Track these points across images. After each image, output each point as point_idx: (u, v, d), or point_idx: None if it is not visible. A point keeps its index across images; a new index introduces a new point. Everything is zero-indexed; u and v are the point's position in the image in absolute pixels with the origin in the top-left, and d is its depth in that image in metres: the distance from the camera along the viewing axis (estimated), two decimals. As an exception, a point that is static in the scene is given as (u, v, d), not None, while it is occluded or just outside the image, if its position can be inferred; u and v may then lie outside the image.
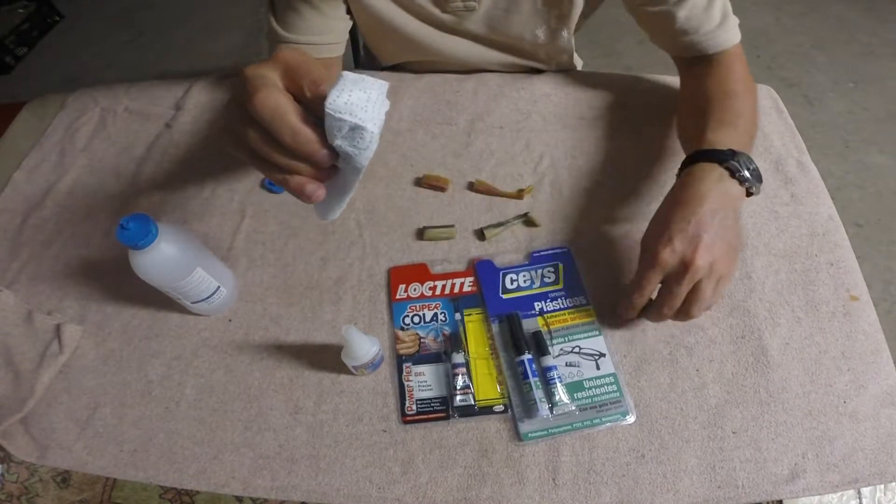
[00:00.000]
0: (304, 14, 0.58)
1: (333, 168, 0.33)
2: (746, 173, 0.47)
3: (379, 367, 0.50)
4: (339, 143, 0.30)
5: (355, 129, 0.29)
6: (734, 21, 0.58)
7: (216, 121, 0.71)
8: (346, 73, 0.29)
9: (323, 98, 0.29)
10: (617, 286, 0.54)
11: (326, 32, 0.61)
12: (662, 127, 0.65)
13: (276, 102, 0.29)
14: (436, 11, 0.63)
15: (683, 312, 0.45)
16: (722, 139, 0.49)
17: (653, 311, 0.47)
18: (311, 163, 0.31)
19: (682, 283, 0.44)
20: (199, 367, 0.52)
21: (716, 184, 0.46)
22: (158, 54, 2.02)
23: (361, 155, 0.31)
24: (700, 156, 0.49)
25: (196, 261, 0.47)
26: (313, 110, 0.30)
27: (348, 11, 0.63)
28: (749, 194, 0.49)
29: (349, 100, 0.28)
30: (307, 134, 0.30)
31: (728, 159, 0.47)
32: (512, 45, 0.68)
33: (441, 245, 0.58)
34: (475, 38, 0.67)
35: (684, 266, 0.43)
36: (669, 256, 0.44)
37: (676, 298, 0.44)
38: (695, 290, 0.44)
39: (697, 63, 0.60)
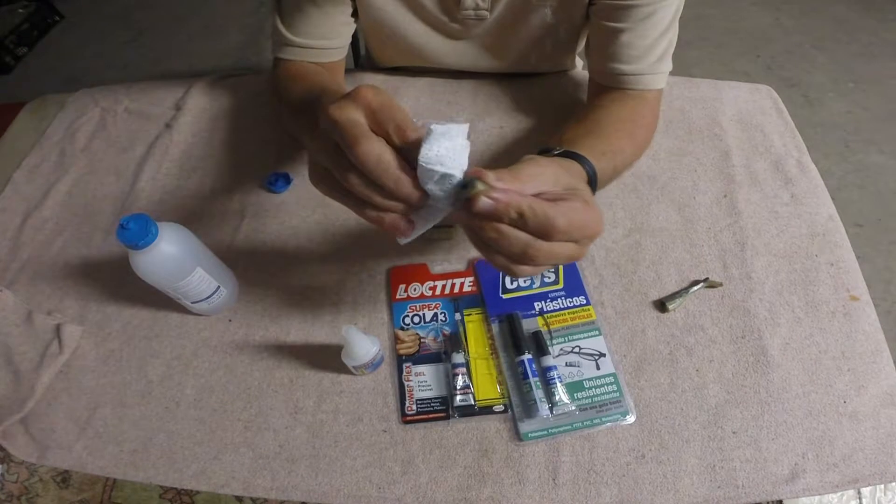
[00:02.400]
0: (311, 17, 0.58)
1: (418, 208, 0.36)
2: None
3: (379, 367, 0.50)
4: (430, 187, 0.32)
5: (445, 177, 0.32)
6: (667, 66, 0.56)
7: (216, 120, 0.71)
8: (434, 126, 0.31)
9: (412, 145, 0.31)
10: (617, 286, 0.54)
11: (332, 36, 0.61)
12: (662, 126, 0.65)
13: (381, 154, 0.31)
14: (445, 19, 0.62)
15: (542, 265, 0.35)
16: (598, 163, 0.45)
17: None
18: (406, 203, 0.34)
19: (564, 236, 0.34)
20: (199, 367, 0.52)
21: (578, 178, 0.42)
22: (158, 54, 2.02)
23: (446, 195, 0.33)
24: (578, 157, 0.44)
25: (196, 261, 0.47)
26: (403, 154, 0.32)
27: (353, 14, 0.62)
28: None
29: (439, 152, 0.31)
30: (407, 182, 0.32)
31: (592, 184, 0.44)
32: (517, 56, 0.67)
33: (441, 245, 0.58)
34: (481, 48, 0.66)
35: (577, 226, 0.34)
36: (565, 215, 0.33)
37: (557, 253, 0.34)
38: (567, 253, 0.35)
39: (613, 90, 0.58)
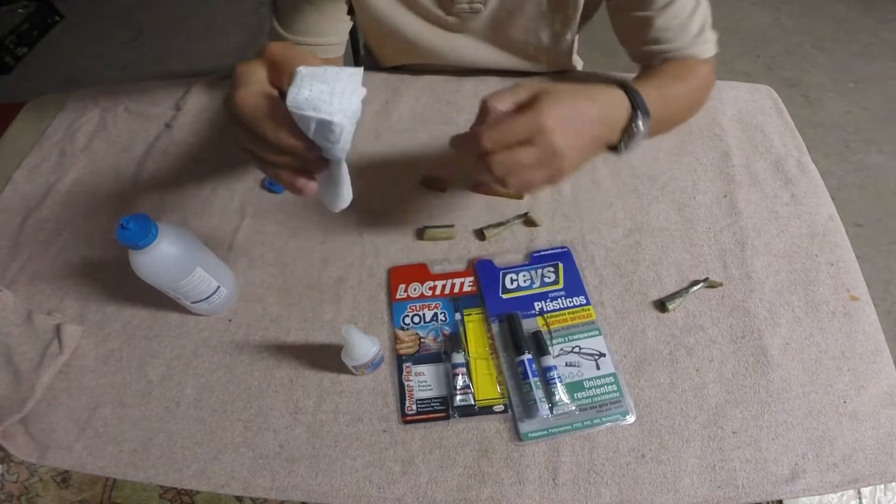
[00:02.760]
0: (307, 14, 0.58)
1: (324, 159, 0.33)
2: (636, 131, 0.46)
3: (379, 367, 0.50)
4: (312, 137, 0.29)
5: (322, 124, 0.28)
6: (710, 36, 0.57)
7: (216, 120, 0.71)
8: (301, 68, 0.29)
9: None
10: (617, 286, 0.54)
11: (328, 34, 0.61)
12: (662, 127, 0.65)
13: (256, 101, 0.30)
14: (440, 13, 0.62)
15: (503, 175, 0.40)
16: (650, 98, 0.48)
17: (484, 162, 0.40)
18: (296, 156, 0.31)
19: (530, 155, 0.39)
20: (199, 367, 0.52)
21: (612, 110, 0.45)
22: (158, 54, 2.02)
23: (335, 148, 0.30)
24: (625, 87, 0.47)
25: (196, 261, 0.47)
26: None
27: (350, 12, 0.63)
28: (613, 148, 0.48)
29: (310, 95, 0.28)
30: (286, 130, 0.30)
31: (640, 108, 0.46)
32: (515, 49, 0.67)
33: (441, 245, 0.58)
34: (478, 41, 0.67)
35: (538, 129, 0.38)
36: (549, 132, 0.39)
37: (513, 153, 0.39)
38: (527, 161, 0.39)
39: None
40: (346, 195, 0.37)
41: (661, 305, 0.52)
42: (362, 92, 0.30)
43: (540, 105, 0.39)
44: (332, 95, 0.28)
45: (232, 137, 0.33)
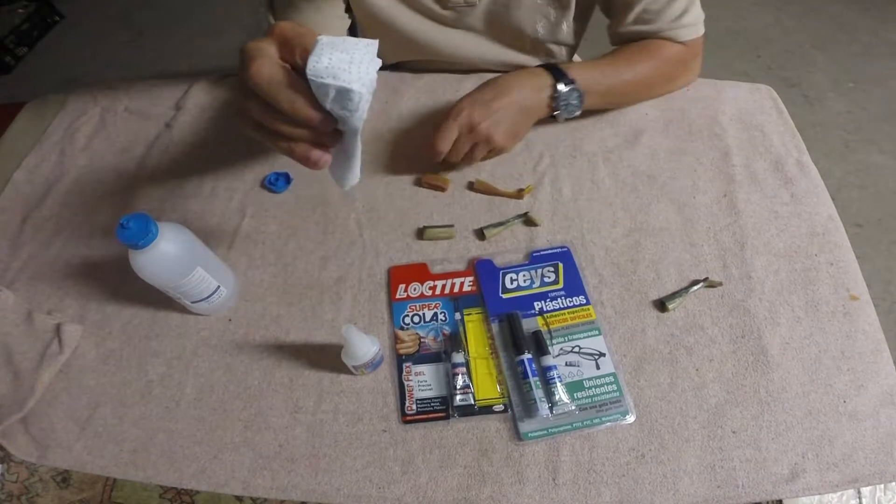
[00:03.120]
0: (304, 12, 0.59)
1: (338, 132, 0.33)
2: (564, 103, 0.57)
3: (379, 366, 0.50)
4: (329, 107, 0.29)
5: (341, 92, 0.29)
6: (691, 19, 0.58)
7: (216, 120, 0.71)
8: (321, 37, 0.29)
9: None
10: (617, 286, 0.54)
11: (326, 32, 0.61)
12: (662, 126, 0.65)
13: (271, 72, 0.30)
14: (436, 7, 0.63)
15: (465, 162, 0.59)
16: (582, 72, 0.56)
17: (446, 158, 0.58)
18: (311, 129, 0.31)
19: (464, 140, 0.56)
20: (199, 366, 0.52)
21: (533, 90, 0.57)
22: (158, 54, 2.02)
23: (353, 117, 0.30)
24: (548, 65, 0.58)
25: (196, 260, 0.47)
26: (306, 78, 0.30)
27: (347, 10, 0.63)
28: (553, 113, 0.59)
29: (330, 63, 0.28)
30: (302, 100, 0.30)
31: (562, 82, 0.54)
32: (512, 42, 0.68)
33: (441, 245, 0.58)
34: (475, 35, 0.67)
35: (469, 128, 0.55)
36: (465, 116, 0.55)
37: (459, 150, 0.57)
38: (471, 150, 0.57)
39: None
40: (356, 171, 0.37)
41: (660, 305, 0.52)
42: (378, 62, 0.30)
43: (458, 103, 0.56)
44: (350, 64, 0.28)
45: (243, 117, 0.33)
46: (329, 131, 0.32)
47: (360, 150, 0.35)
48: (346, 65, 0.28)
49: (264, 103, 0.31)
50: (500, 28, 0.65)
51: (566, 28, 0.65)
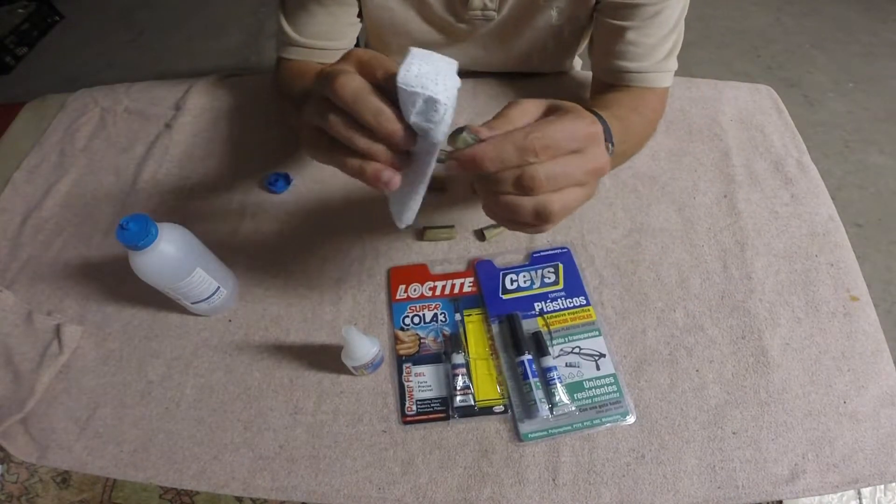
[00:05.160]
0: (317, 17, 0.58)
1: (407, 158, 0.33)
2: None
3: (379, 367, 0.50)
4: (414, 119, 0.30)
5: (428, 102, 0.29)
6: (673, 64, 0.56)
7: (217, 120, 0.71)
8: (413, 48, 0.29)
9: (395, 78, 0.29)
10: (618, 287, 0.54)
11: (338, 37, 0.60)
12: (662, 126, 0.65)
13: (358, 84, 0.30)
14: (451, 20, 0.61)
15: (549, 189, 0.32)
16: (613, 126, 0.46)
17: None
18: (390, 144, 0.31)
19: (574, 152, 0.32)
20: (199, 367, 0.52)
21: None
22: (158, 54, 2.02)
23: (437, 129, 0.30)
24: (597, 116, 0.43)
25: (196, 261, 0.47)
26: (388, 94, 0.31)
27: (359, 15, 0.62)
28: None
29: (419, 72, 0.28)
30: (388, 111, 0.30)
31: (609, 140, 0.44)
32: (518, 57, 0.67)
33: (441, 245, 0.58)
34: (483, 48, 0.66)
35: (591, 135, 0.33)
36: (581, 114, 0.34)
37: (562, 162, 0.32)
38: (577, 174, 0.32)
39: (617, 87, 0.58)
40: (417, 206, 0.37)
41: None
42: (458, 82, 0.30)
43: (579, 111, 0.33)
44: (437, 75, 0.29)
45: (312, 136, 0.33)
46: (406, 149, 0.32)
47: (429, 178, 0.35)
48: (434, 76, 0.29)
49: (345, 117, 0.31)
50: (510, 43, 0.64)
51: (576, 47, 0.65)
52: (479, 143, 0.31)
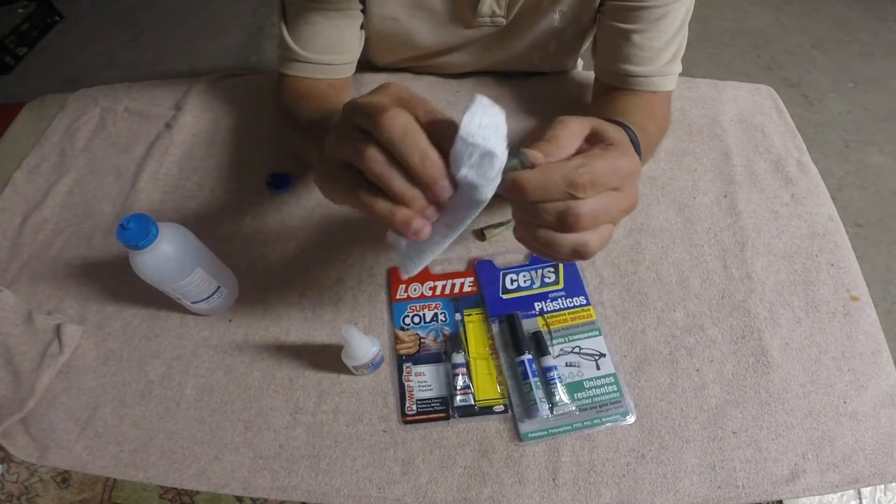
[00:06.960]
0: (321, 29, 0.56)
1: (439, 210, 0.31)
2: None
3: (379, 367, 0.50)
4: (464, 171, 0.27)
5: (485, 157, 0.27)
6: (677, 67, 0.56)
7: (217, 120, 0.71)
8: (480, 96, 0.27)
9: (442, 129, 0.28)
10: (618, 287, 0.54)
11: (343, 50, 0.59)
12: (662, 127, 0.65)
13: (408, 121, 0.27)
14: (459, 27, 0.61)
15: (590, 226, 0.30)
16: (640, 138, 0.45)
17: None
18: (428, 193, 0.29)
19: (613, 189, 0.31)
20: (199, 367, 0.52)
21: None
22: (158, 54, 2.02)
23: (488, 186, 0.28)
24: (626, 128, 0.43)
25: (196, 261, 0.47)
26: (431, 139, 0.28)
27: (362, 27, 0.61)
28: None
29: (482, 123, 0.27)
30: (436, 157, 0.28)
31: (638, 153, 0.43)
32: (519, 58, 0.67)
33: (441, 245, 0.58)
34: (484, 49, 0.66)
35: (632, 171, 0.31)
36: (622, 148, 0.32)
37: (606, 198, 0.31)
38: (615, 211, 0.31)
39: (621, 90, 0.57)
40: (428, 259, 0.35)
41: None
42: (507, 133, 0.29)
43: (625, 146, 0.32)
44: (497, 128, 0.27)
45: (337, 174, 0.31)
46: (445, 199, 0.29)
47: (458, 235, 0.33)
48: (495, 128, 0.27)
49: (387, 154, 0.28)
50: (512, 46, 0.64)
51: (578, 48, 0.65)
52: (526, 170, 0.29)
